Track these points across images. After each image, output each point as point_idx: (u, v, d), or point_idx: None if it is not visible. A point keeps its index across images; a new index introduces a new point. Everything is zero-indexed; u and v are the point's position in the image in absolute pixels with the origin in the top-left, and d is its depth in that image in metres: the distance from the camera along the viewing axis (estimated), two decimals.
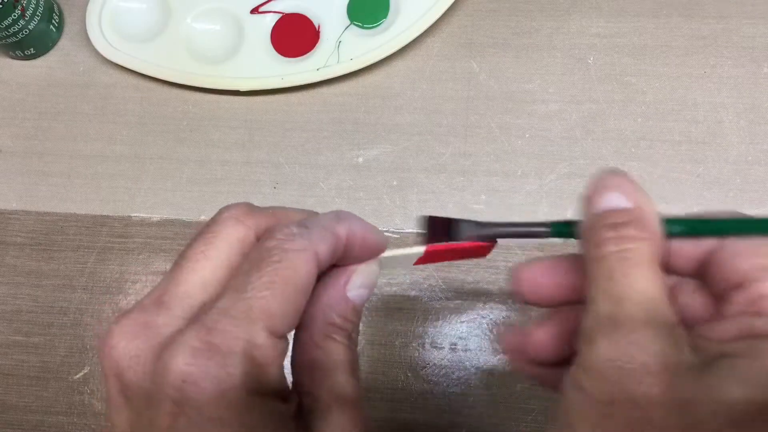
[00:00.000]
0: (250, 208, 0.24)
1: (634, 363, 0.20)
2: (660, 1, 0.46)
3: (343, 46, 0.46)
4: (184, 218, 0.45)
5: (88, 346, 0.44)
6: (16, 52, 0.48)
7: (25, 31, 0.46)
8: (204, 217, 0.45)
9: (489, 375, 0.41)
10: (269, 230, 0.23)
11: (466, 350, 0.42)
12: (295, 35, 0.47)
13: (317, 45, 0.46)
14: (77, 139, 0.47)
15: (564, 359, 0.24)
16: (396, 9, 0.46)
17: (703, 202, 0.42)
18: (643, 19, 0.46)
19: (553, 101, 0.45)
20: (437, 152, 0.45)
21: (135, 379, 0.21)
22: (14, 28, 0.46)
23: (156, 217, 0.45)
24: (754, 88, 0.44)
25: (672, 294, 0.24)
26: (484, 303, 0.42)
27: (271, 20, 0.47)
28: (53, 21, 0.48)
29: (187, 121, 0.47)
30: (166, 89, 0.48)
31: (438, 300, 0.42)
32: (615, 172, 0.23)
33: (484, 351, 0.41)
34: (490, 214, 0.43)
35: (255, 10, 0.47)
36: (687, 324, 0.24)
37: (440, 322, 0.42)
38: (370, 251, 0.25)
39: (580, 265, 0.24)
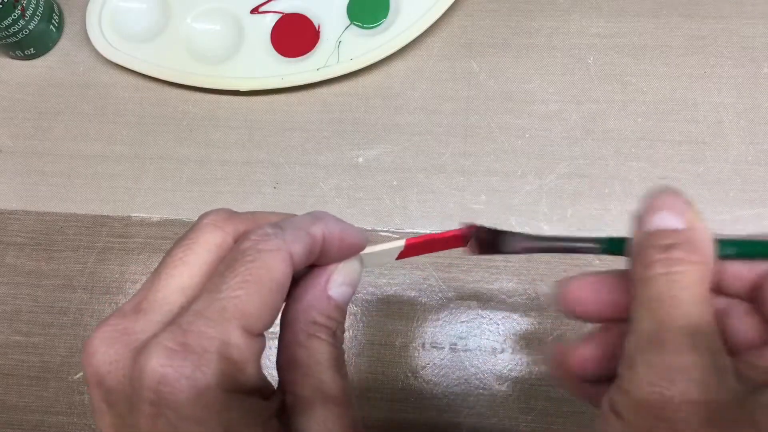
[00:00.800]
0: (228, 214, 0.24)
1: (673, 389, 0.20)
2: (660, 1, 0.46)
3: (343, 46, 0.46)
4: (184, 218, 0.45)
5: None
6: (16, 52, 0.48)
7: (25, 31, 0.46)
8: None
9: (489, 375, 0.41)
10: (245, 232, 0.23)
11: (466, 350, 0.42)
12: (295, 35, 0.47)
13: (317, 45, 0.46)
14: (77, 139, 0.47)
15: (607, 377, 0.24)
16: (396, 9, 0.46)
17: (703, 202, 0.42)
18: (643, 19, 0.46)
19: (553, 101, 0.45)
20: (437, 152, 0.45)
21: (115, 384, 0.21)
22: (14, 28, 0.46)
23: (156, 217, 0.45)
24: (754, 88, 0.44)
25: (723, 316, 0.24)
26: (484, 303, 0.42)
27: (271, 20, 0.47)
28: (53, 21, 0.48)
29: (187, 121, 0.47)
30: (166, 89, 0.48)
31: (438, 300, 0.42)
32: (668, 191, 0.23)
33: (484, 351, 0.41)
34: (490, 214, 0.43)
35: (255, 10, 0.47)
36: (737, 347, 0.23)
37: (440, 322, 0.42)
38: (348, 250, 0.25)
39: (628, 283, 0.24)
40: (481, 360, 0.41)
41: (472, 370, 0.41)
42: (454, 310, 0.42)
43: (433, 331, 0.42)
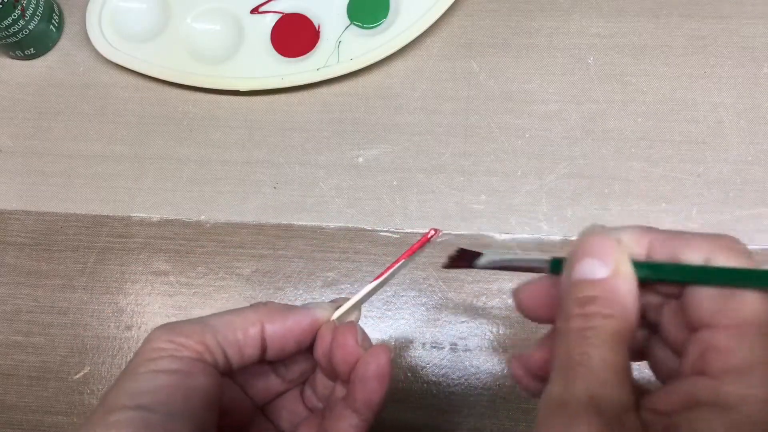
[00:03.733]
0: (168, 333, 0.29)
1: None
2: (660, 1, 0.46)
3: (343, 46, 0.46)
4: (184, 218, 0.45)
5: (88, 346, 0.44)
6: (16, 52, 0.48)
7: (25, 31, 0.46)
8: (204, 217, 0.45)
9: (489, 375, 0.41)
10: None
11: (466, 350, 0.42)
12: (295, 35, 0.47)
13: (317, 45, 0.46)
14: (77, 139, 0.47)
15: None
16: (396, 9, 0.46)
17: (703, 201, 0.42)
18: (643, 19, 0.46)
19: (553, 101, 0.45)
20: (437, 152, 0.45)
21: None
22: (14, 28, 0.46)
23: (156, 217, 0.45)
24: (754, 88, 0.44)
25: (657, 313, 0.24)
26: (484, 303, 0.42)
27: (271, 20, 0.47)
28: (53, 21, 0.48)
29: (187, 121, 0.47)
30: (166, 89, 0.48)
31: (438, 300, 0.42)
32: (597, 235, 0.23)
33: (484, 351, 0.41)
34: (490, 214, 0.43)
35: (255, 10, 0.47)
36: (668, 344, 0.23)
37: (440, 322, 0.42)
38: (299, 340, 0.30)
39: None
40: (481, 360, 0.41)
41: (472, 370, 0.41)
42: (454, 310, 0.42)
43: (433, 331, 0.42)
